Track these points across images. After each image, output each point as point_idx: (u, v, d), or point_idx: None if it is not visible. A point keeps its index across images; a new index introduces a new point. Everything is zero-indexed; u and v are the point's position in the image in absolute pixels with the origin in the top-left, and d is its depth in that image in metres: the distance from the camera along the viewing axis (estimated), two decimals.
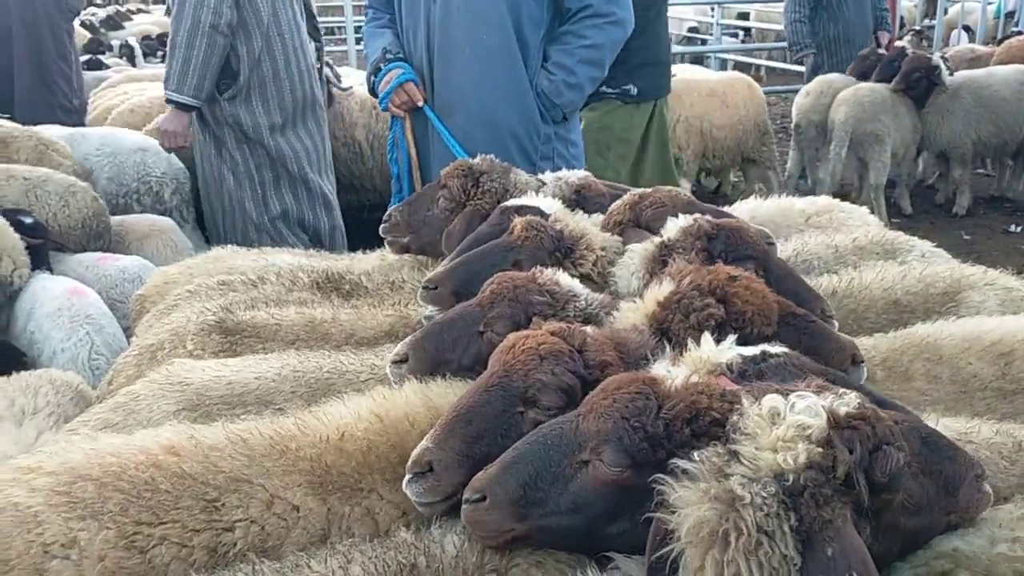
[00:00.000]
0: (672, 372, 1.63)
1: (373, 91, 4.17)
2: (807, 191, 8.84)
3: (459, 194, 3.01)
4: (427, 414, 1.90)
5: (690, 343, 1.81)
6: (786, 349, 1.79)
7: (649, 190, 2.73)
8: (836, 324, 2.31)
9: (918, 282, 2.54)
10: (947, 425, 1.85)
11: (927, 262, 2.77)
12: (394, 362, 2.12)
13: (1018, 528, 1.53)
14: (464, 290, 2.35)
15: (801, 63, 9.34)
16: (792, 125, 8.49)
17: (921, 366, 2.18)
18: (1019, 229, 7.91)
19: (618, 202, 2.74)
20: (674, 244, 2.31)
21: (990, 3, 13.94)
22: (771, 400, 1.48)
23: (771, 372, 1.73)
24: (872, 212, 7.52)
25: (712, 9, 15.05)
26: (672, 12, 17.17)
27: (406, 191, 4.20)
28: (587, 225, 2.58)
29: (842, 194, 8.57)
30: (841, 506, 1.37)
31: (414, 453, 1.70)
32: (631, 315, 2.01)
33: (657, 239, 2.36)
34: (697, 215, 2.38)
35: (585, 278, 2.39)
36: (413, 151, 4.16)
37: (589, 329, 1.88)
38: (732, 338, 1.81)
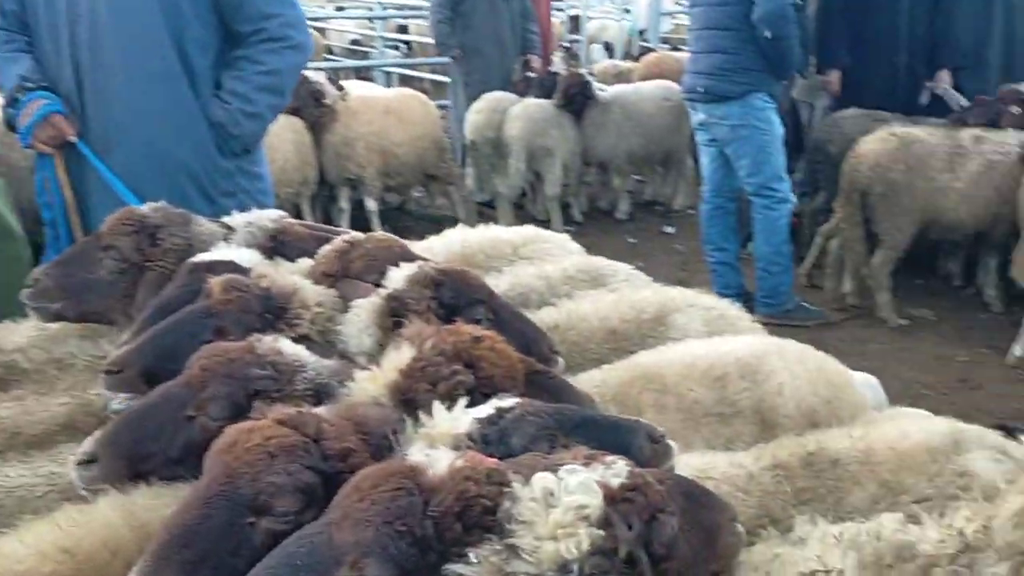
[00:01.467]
0: (432, 456, 1.46)
1: (11, 126, 3.55)
2: (486, 203, 9.13)
3: (132, 254, 2.56)
4: (132, 536, 1.58)
5: (423, 417, 1.66)
6: (517, 399, 1.71)
7: (361, 236, 2.53)
8: (562, 361, 2.30)
9: (631, 308, 2.61)
10: (687, 462, 1.87)
11: (632, 285, 2.86)
12: (79, 463, 1.75)
13: (774, 571, 1.56)
14: (158, 370, 2.00)
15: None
16: (468, 142, 8.68)
17: (649, 397, 2.22)
18: (673, 230, 8.72)
19: (324, 251, 2.51)
20: (402, 295, 2.16)
21: (624, 21, 15.39)
22: (542, 480, 1.37)
23: (513, 429, 1.63)
24: (549, 220, 8.05)
25: (371, 22, 15.11)
26: (335, 24, 17.11)
27: (64, 238, 3.63)
28: (297, 279, 2.33)
29: (518, 204, 8.98)
30: None
31: None
32: (369, 385, 1.81)
33: (384, 291, 2.19)
34: (420, 263, 2.24)
35: (303, 339, 2.15)
36: (68, 193, 3.59)
37: (323, 411, 1.65)
38: (462, 404, 1.69)
